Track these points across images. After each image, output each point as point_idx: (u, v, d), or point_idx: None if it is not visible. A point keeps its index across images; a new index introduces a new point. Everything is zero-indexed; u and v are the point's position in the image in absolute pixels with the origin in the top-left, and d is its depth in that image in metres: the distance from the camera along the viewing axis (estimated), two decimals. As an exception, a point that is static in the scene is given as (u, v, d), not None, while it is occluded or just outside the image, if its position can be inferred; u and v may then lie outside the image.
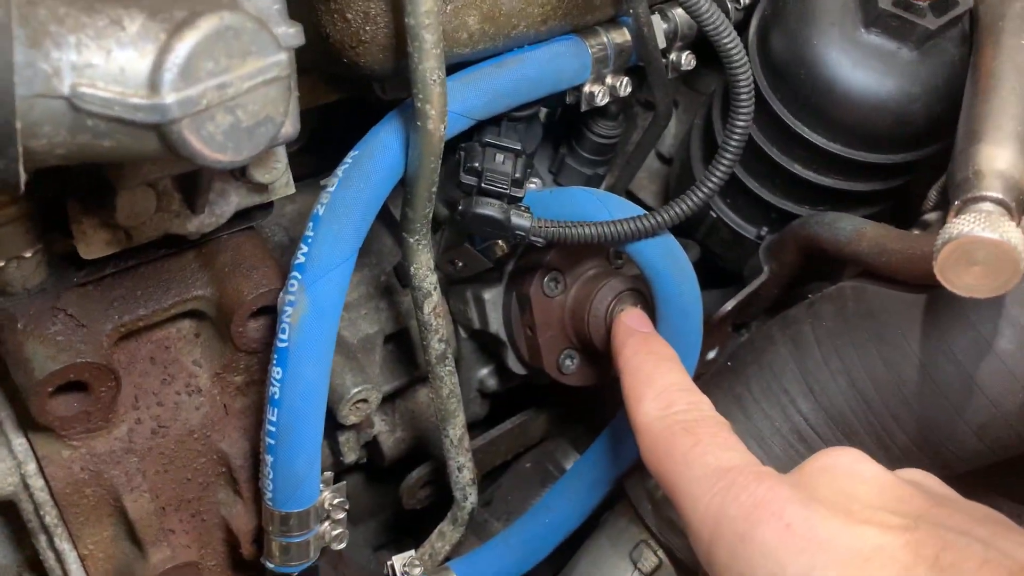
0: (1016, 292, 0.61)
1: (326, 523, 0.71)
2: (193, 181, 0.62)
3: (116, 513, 0.68)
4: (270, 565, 0.71)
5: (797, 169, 0.82)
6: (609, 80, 0.77)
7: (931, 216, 0.75)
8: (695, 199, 0.73)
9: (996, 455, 0.69)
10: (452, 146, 0.71)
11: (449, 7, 0.66)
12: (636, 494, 0.81)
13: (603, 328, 0.80)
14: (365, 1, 0.63)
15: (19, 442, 0.65)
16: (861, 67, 0.75)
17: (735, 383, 0.78)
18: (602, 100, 0.76)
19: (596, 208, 0.75)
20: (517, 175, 0.74)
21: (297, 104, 0.60)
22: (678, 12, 0.80)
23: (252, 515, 0.72)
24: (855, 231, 0.74)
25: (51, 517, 0.65)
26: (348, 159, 0.69)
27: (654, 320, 0.77)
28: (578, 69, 0.75)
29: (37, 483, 0.65)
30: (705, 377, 0.82)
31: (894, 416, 0.69)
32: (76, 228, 0.62)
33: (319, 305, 0.66)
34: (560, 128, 0.89)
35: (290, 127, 0.59)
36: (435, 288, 0.74)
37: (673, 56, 0.80)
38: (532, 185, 0.82)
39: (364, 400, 0.78)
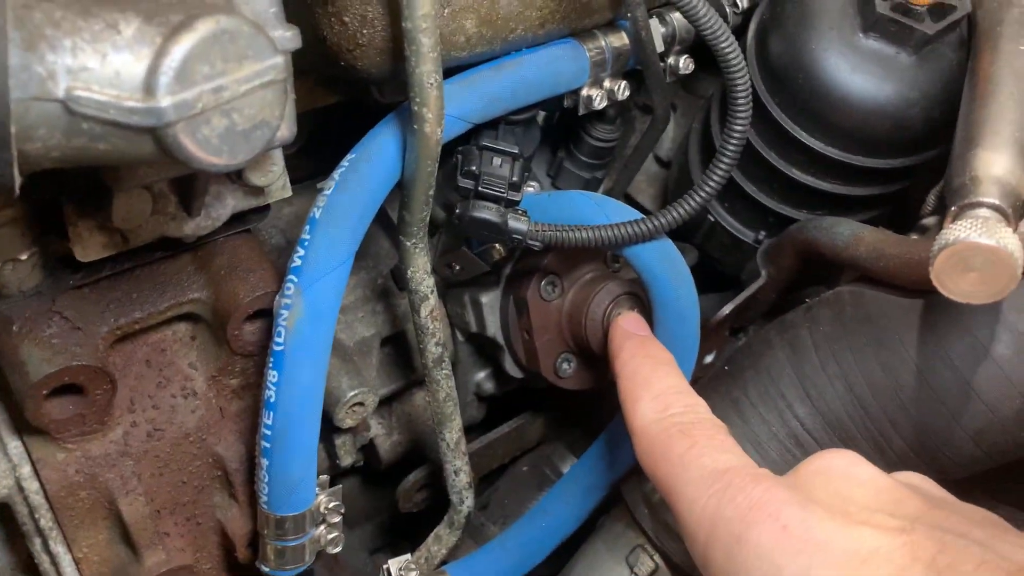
0: (1013, 298, 0.61)
1: (322, 527, 0.71)
2: (189, 184, 0.62)
3: (111, 516, 0.68)
4: (265, 569, 0.71)
5: (795, 173, 0.82)
6: (607, 84, 0.77)
7: (929, 220, 0.75)
8: (692, 203, 0.73)
9: (993, 460, 0.69)
10: (449, 149, 0.71)
11: (447, 11, 0.66)
12: (632, 499, 0.81)
13: (600, 332, 0.80)
14: (363, 4, 0.63)
15: (14, 445, 0.65)
16: (859, 72, 0.75)
17: (732, 387, 0.78)
18: (600, 104, 0.76)
19: (593, 212, 0.75)
20: (514, 179, 0.74)
21: (293, 107, 0.60)
22: (676, 16, 0.80)
23: (247, 518, 0.72)
24: (853, 236, 0.74)
25: (46, 520, 0.65)
26: (345, 162, 0.69)
27: (651, 324, 0.77)
28: (576, 73, 0.75)
29: (32, 486, 0.65)
30: (702, 381, 0.82)
31: (891, 421, 0.69)
32: (72, 231, 0.62)
33: (315, 308, 0.65)
34: (558, 131, 0.88)
35: (286, 130, 0.59)
36: (432, 292, 0.74)
37: (671, 60, 0.80)
38: (530, 188, 0.82)
39: (360, 403, 0.78)
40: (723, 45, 0.66)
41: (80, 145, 0.47)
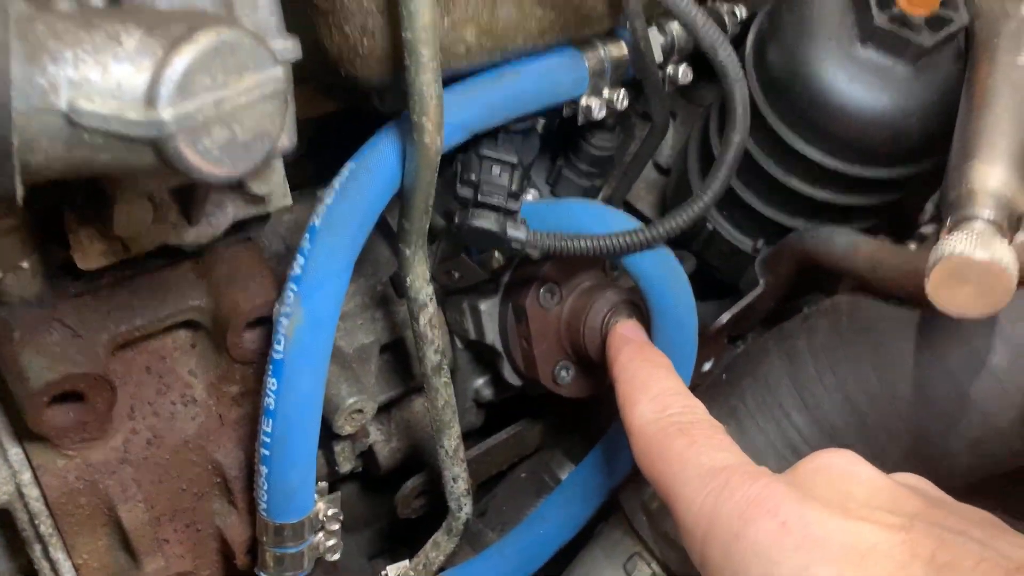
0: (1010, 309, 0.61)
1: (320, 534, 0.71)
2: (190, 193, 0.62)
3: (111, 523, 0.68)
4: (264, 576, 0.71)
5: (793, 183, 0.82)
6: (606, 93, 0.78)
7: (927, 229, 0.76)
8: (691, 213, 0.73)
9: (989, 470, 0.69)
10: (449, 157, 0.72)
11: (447, 21, 0.66)
12: (631, 506, 0.82)
13: (599, 339, 0.80)
14: (363, 14, 0.63)
15: (15, 451, 0.65)
16: (857, 82, 0.75)
17: (730, 395, 0.79)
18: (599, 114, 0.77)
19: (592, 220, 0.75)
20: (513, 188, 0.74)
21: (294, 116, 0.60)
22: (675, 25, 0.80)
23: (246, 525, 0.72)
24: (850, 246, 0.74)
25: (46, 526, 0.66)
26: (345, 171, 0.69)
27: (649, 332, 0.78)
28: (575, 82, 0.75)
29: (32, 492, 0.65)
30: (700, 389, 0.82)
31: (888, 431, 0.69)
32: (73, 239, 0.62)
33: (315, 316, 0.66)
34: (557, 139, 0.89)
35: (287, 140, 0.59)
36: (431, 299, 0.74)
37: (670, 70, 0.81)
38: (529, 196, 0.82)
39: (359, 410, 0.78)
40: (721, 56, 0.67)
41: (82, 156, 0.47)
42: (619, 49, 0.77)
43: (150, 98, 0.47)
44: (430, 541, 0.85)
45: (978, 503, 0.53)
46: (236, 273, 0.69)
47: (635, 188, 1.00)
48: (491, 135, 0.75)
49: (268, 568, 0.70)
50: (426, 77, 0.62)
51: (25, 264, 0.62)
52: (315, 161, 0.83)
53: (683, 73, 0.81)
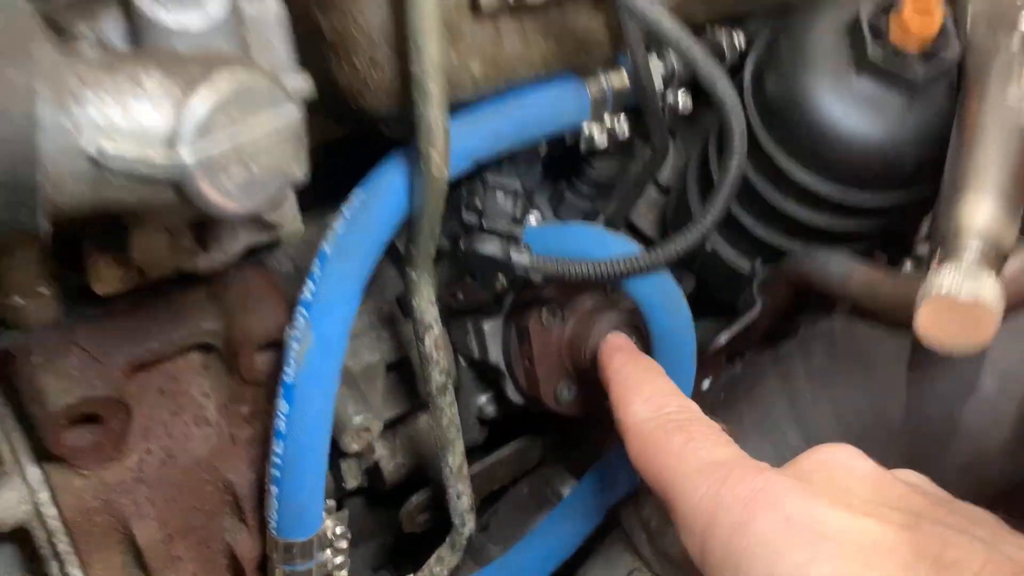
0: (999, 336, 0.63)
1: (328, 551, 0.73)
2: (205, 222, 0.64)
3: (125, 541, 0.70)
4: (273, 592, 0.73)
5: (790, 207, 0.84)
6: (608, 120, 0.80)
7: (924, 249, 0.78)
8: (689, 239, 0.75)
9: (979, 492, 0.71)
10: (454, 183, 0.74)
11: (453, 54, 0.68)
12: (629, 524, 0.83)
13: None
14: (372, 48, 0.65)
15: (33, 472, 0.67)
16: (852, 112, 0.77)
17: (728, 415, 0.81)
18: (602, 144, 0.79)
19: (593, 245, 0.77)
20: (517, 214, 0.76)
21: (306, 149, 0.62)
22: (675, 53, 0.82)
23: (257, 543, 0.74)
24: (845, 272, 0.76)
25: (63, 544, 0.67)
26: (354, 199, 0.71)
27: (649, 353, 0.79)
28: (577, 110, 0.77)
29: (50, 511, 0.67)
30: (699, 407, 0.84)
31: (880, 453, 0.70)
32: (90, 266, 0.64)
33: (325, 341, 0.68)
34: (560, 161, 0.91)
35: (300, 173, 0.61)
36: (436, 321, 0.76)
37: (670, 98, 0.83)
38: (531, 218, 0.84)
39: (367, 429, 0.80)
40: (719, 89, 0.68)
41: (105, 195, 0.49)
42: (620, 77, 0.79)
43: (171, 139, 0.49)
44: (434, 555, 0.87)
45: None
46: (248, 297, 0.71)
47: (636, 206, 1.02)
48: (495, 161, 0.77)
49: (278, 584, 0.72)
50: (434, 111, 0.64)
51: (44, 290, 0.64)
52: (322, 183, 0.85)
53: (683, 101, 0.83)
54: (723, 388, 0.82)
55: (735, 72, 0.87)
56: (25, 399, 0.65)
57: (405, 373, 0.91)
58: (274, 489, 0.69)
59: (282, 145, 0.54)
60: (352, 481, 0.86)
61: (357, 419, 0.79)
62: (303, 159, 0.61)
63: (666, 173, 1.04)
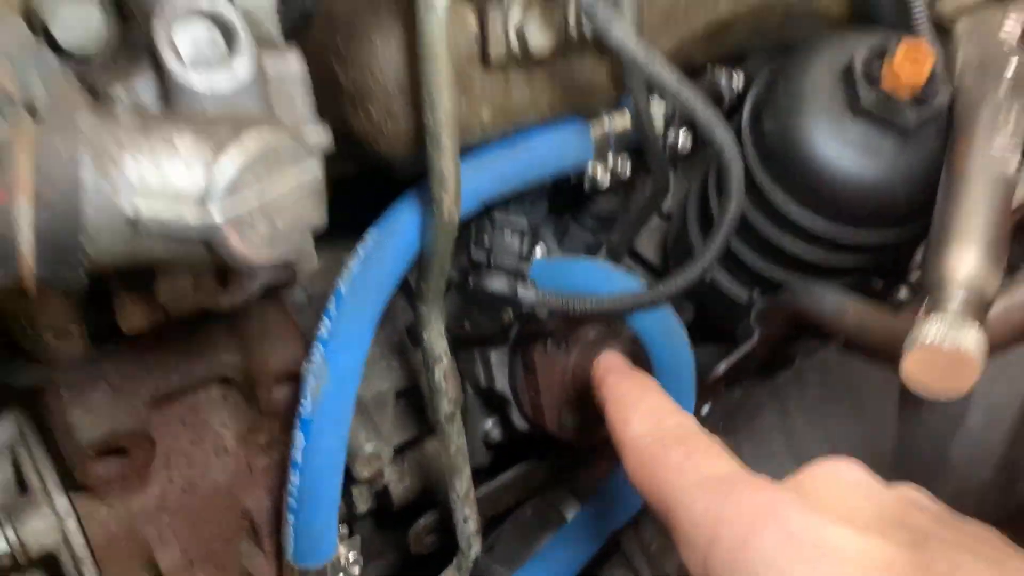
0: (985, 372, 0.66)
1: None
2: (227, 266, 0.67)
3: (148, 567, 0.73)
4: (289, 615, 0.76)
5: (786, 242, 0.87)
6: (611, 160, 0.83)
7: (917, 276, 0.81)
8: (689, 276, 0.78)
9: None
10: (464, 222, 0.77)
11: (464, 103, 0.71)
12: (630, 548, 0.86)
13: (602, 389, 0.85)
14: (388, 100, 0.68)
15: (61, 501, 0.70)
16: (846, 153, 0.80)
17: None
18: (604, 184, 0.82)
19: (597, 280, 0.81)
20: (524, 251, 0.79)
21: (325, 196, 0.65)
22: (676, 94, 0.85)
23: (273, 568, 0.77)
24: (838, 308, 0.79)
25: (89, 571, 0.70)
26: (369, 239, 0.74)
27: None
28: (581, 151, 0.81)
29: (77, 539, 0.70)
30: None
31: (873, 484, 0.74)
32: (118, 305, 0.67)
33: (340, 377, 0.71)
34: (565, 195, 0.94)
35: (320, 221, 0.64)
36: (446, 353, 0.79)
37: (671, 138, 0.86)
38: (537, 249, 0.87)
39: (377, 456, 0.83)
40: (718, 136, 0.71)
41: (138, 249, 0.52)
42: (623, 119, 0.82)
43: (202, 198, 0.52)
44: (441, 577, 0.90)
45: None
46: (265, 332, 0.74)
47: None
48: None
49: (293, 608, 0.75)
50: (446, 159, 0.67)
51: (73, 328, 0.67)
52: (333, 215, 0.88)
53: (683, 141, 0.86)
54: (721, 418, 0.85)
55: (734, 110, 0.90)
56: (55, 432, 0.68)
57: (414, 399, 0.94)
58: (290, 517, 0.72)
59: (304, 199, 0.57)
60: (363, 506, 0.89)
61: (368, 447, 0.83)
62: (323, 207, 0.64)
63: (668, 201, 1.07)
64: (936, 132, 0.80)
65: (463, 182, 0.70)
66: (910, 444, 0.72)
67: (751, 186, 0.84)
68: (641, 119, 0.79)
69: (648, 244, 1.11)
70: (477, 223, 0.81)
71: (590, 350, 0.87)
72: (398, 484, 0.96)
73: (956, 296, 0.59)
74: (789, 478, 0.53)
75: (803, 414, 0.78)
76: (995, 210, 0.64)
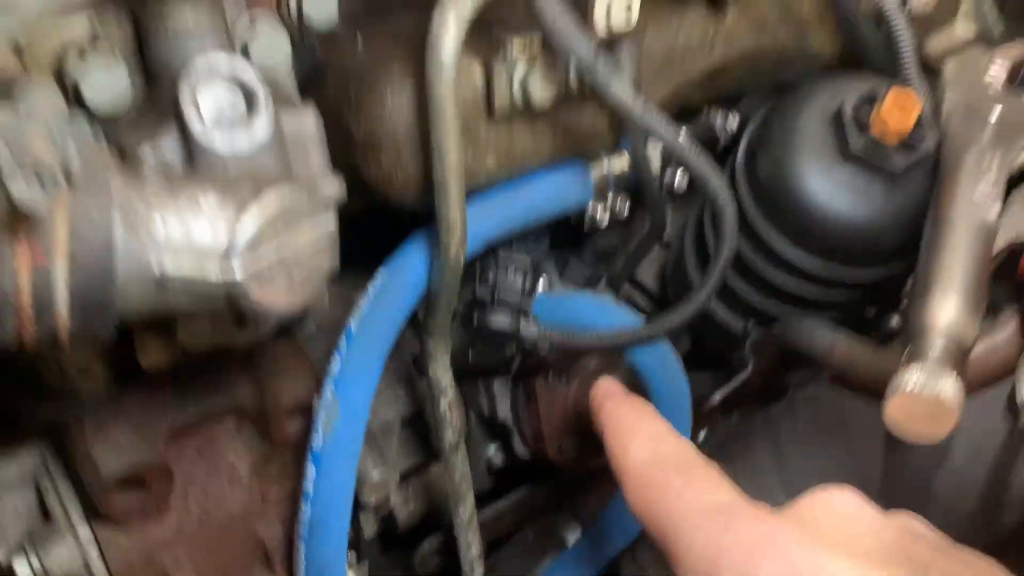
0: (968, 410, 0.69)
1: (350, 601, 0.79)
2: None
3: (166, 594, 0.76)
4: (300, 640, 0.79)
5: (779, 278, 0.90)
6: (610, 200, 0.86)
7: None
8: (684, 313, 0.81)
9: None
10: (469, 261, 0.80)
11: (470, 152, 0.74)
12: (629, 572, 0.90)
13: (602, 419, 0.88)
14: (398, 150, 0.71)
15: (84, 530, 0.73)
16: (837, 195, 0.83)
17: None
18: (603, 222, 0.85)
19: (596, 316, 0.84)
20: (527, 288, 0.83)
21: (338, 244, 0.68)
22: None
23: (285, 594, 0.81)
24: (828, 344, 0.82)
25: (110, 598, 0.74)
26: (378, 278, 0.77)
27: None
28: (581, 194, 0.84)
29: (99, 567, 0.73)
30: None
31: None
32: (139, 344, 0.70)
33: (350, 412, 0.74)
34: (566, 232, 0.97)
35: (333, 267, 0.67)
36: (451, 384, 0.83)
37: (667, 178, 0.89)
38: (540, 280, 0.90)
39: (384, 483, 0.86)
40: (712, 185, 0.75)
41: (164, 303, 0.55)
42: (622, 161, 0.85)
43: (226, 254, 0.55)
44: (444, 601, 0.93)
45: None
46: (278, 367, 0.77)
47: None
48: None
49: (304, 633, 0.78)
50: (453, 207, 0.70)
51: (96, 366, 0.71)
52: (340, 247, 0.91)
53: (679, 181, 0.89)
54: (715, 448, 0.88)
55: (729, 150, 0.93)
56: (78, 465, 0.71)
57: (419, 426, 0.97)
58: (302, 546, 0.75)
59: (320, 250, 0.60)
60: (369, 531, 0.92)
61: (375, 474, 0.86)
62: (336, 255, 0.68)
63: (667, 229, 1.10)
64: (923, 175, 0.83)
65: (468, 224, 0.73)
66: (897, 477, 0.75)
67: (745, 224, 0.87)
68: (639, 163, 0.82)
69: (648, 271, 1.14)
70: (482, 261, 0.84)
71: (590, 381, 0.90)
72: (403, 508, 0.99)
73: (936, 345, 0.63)
74: (788, 507, 0.53)
75: (795, 446, 0.81)
76: (975, 259, 0.67)
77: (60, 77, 0.59)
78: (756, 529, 0.51)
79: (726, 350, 1.00)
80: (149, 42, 0.60)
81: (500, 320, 0.80)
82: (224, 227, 0.55)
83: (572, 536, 1.03)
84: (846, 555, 0.48)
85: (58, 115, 0.54)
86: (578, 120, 0.77)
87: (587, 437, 0.92)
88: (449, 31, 0.64)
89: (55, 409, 0.72)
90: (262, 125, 0.59)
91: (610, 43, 0.70)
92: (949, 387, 0.60)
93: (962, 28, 1.04)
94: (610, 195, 0.86)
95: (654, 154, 0.88)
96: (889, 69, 0.87)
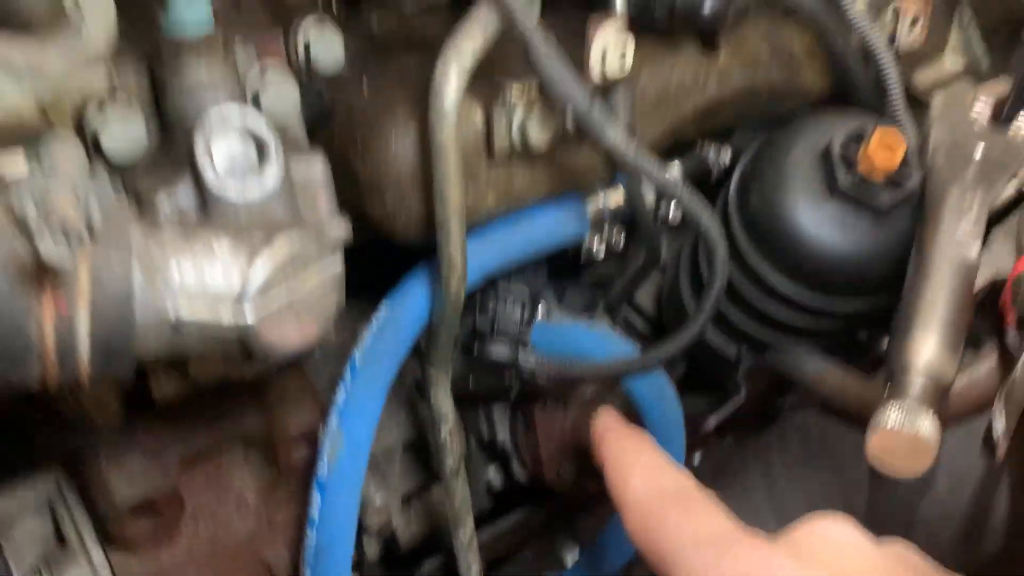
0: (951, 441, 0.72)
1: (354, 623, 0.82)
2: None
3: (177, 617, 0.79)
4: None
5: (771, 308, 0.92)
6: (606, 232, 0.89)
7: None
8: (678, 343, 0.84)
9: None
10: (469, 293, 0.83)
11: (471, 191, 0.76)
12: (625, 594, 0.92)
13: (598, 445, 0.91)
14: (401, 190, 0.74)
15: (97, 554, 0.76)
16: (825, 229, 0.85)
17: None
18: (599, 254, 0.88)
19: (593, 346, 0.87)
20: (525, 319, 0.85)
21: (344, 283, 0.71)
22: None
23: (292, 617, 0.83)
24: (817, 374, 0.85)
25: (123, 621, 0.77)
26: (382, 311, 0.80)
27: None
28: (579, 226, 0.86)
29: (112, 591, 0.76)
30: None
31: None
32: (152, 378, 0.73)
33: (354, 441, 0.77)
34: (563, 261, 1.00)
35: (339, 306, 0.70)
36: (452, 411, 0.85)
37: (662, 211, 0.92)
38: (539, 307, 0.93)
39: (387, 506, 0.89)
40: (703, 223, 0.78)
41: (178, 346, 0.58)
42: (617, 195, 0.88)
43: (239, 299, 0.58)
44: (445, 620, 0.96)
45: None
46: (285, 397, 0.80)
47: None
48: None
49: (310, 654, 0.81)
50: (454, 246, 0.73)
51: (110, 399, 0.73)
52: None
53: (673, 213, 0.92)
54: (709, 474, 0.91)
55: (721, 182, 0.96)
56: (92, 492, 0.74)
57: (420, 450, 1.00)
58: (307, 572, 0.78)
59: (327, 292, 0.63)
60: (372, 553, 0.95)
61: (378, 498, 0.89)
62: (343, 294, 0.70)
63: (663, 253, 1.13)
64: (909, 212, 0.85)
65: (469, 258, 0.76)
66: (883, 503, 0.77)
67: (738, 254, 0.90)
68: (634, 198, 0.85)
69: (646, 294, 1.17)
70: (482, 292, 0.86)
71: (587, 408, 0.93)
72: (405, 530, 1.01)
73: (915, 383, 0.65)
74: (783, 535, 0.55)
75: (785, 472, 0.84)
76: (956, 297, 0.70)
77: (80, 127, 0.62)
78: (753, 557, 0.52)
79: (720, 374, 1.03)
80: (165, 94, 0.63)
81: (499, 351, 0.83)
82: (237, 273, 0.58)
83: (570, 557, 1.06)
84: None
85: (80, 169, 0.57)
86: (574, 159, 0.80)
87: (584, 462, 0.95)
88: (451, 82, 0.67)
89: (71, 438, 0.75)
90: (272, 174, 0.62)
91: (605, 89, 0.73)
92: (927, 426, 0.63)
93: (951, 61, 1.07)
94: (606, 227, 0.89)
95: (648, 188, 0.90)
96: (877, 106, 0.90)
